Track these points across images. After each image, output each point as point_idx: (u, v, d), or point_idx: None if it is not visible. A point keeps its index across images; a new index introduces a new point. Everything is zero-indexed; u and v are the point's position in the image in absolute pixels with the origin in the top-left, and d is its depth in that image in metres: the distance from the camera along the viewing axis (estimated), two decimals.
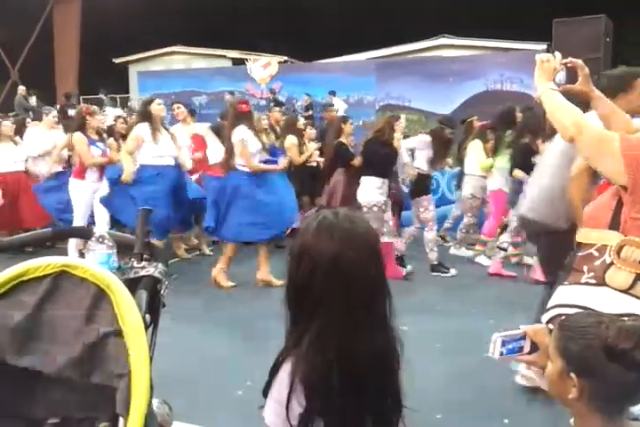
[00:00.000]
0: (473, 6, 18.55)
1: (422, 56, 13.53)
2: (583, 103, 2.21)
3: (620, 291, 1.80)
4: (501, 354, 1.52)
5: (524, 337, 1.53)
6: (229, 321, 4.72)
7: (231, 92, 12.29)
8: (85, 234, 1.55)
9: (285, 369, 1.32)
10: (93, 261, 1.47)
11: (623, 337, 1.25)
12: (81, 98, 16.24)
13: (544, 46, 11.03)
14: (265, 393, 1.36)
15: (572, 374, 1.31)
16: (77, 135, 5.97)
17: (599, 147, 1.91)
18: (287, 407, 1.29)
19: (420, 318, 4.29)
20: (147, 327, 1.39)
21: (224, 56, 16.75)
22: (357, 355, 1.31)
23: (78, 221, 5.93)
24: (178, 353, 3.88)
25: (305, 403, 1.29)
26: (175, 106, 7.20)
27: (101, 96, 15.35)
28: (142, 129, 5.68)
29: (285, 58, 15.26)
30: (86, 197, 6.00)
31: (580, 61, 2.20)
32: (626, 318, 1.30)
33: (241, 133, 5.38)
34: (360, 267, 1.31)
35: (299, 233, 1.39)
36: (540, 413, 3.00)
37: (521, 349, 1.53)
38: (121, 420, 1.25)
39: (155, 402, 1.43)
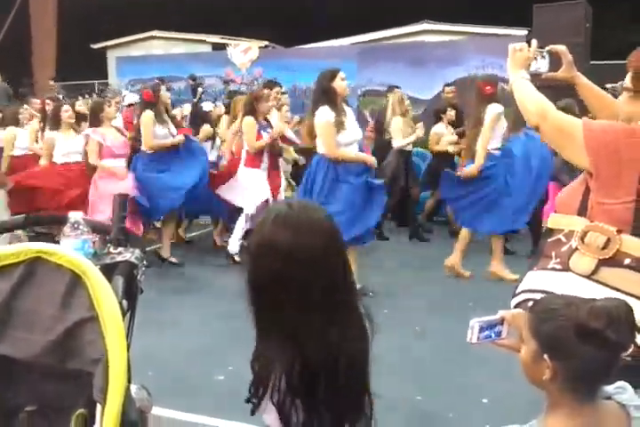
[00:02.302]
0: None
1: (404, 42, 13.48)
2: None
3: (584, 276, 1.82)
4: (478, 339, 1.53)
5: (501, 322, 1.54)
6: (211, 306, 4.72)
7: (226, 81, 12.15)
8: (60, 220, 1.54)
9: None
10: (69, 247, 1.45)
11: (594, 317, 1.26)
12: (59, 84, 15.98)
13: (525, 32, 11.04)
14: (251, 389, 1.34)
15: (545, 356, 1.31)
16: (249, 120, 5.71)
17: (562, 133, 1.93)
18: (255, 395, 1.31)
19: None
20: (124, 313, 1.39)
21: (204, 41, 16.53)
22: (315, 346, 1.28)
23: (250, 209, 5.70)
24: (158, 338, 3.88)
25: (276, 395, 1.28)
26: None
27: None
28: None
29: (266, 43, 15.11)
30: (264, 184, 5.72)
31: (563, 47, 2.19)
32: (596, 299, 1.31)
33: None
34: (318, 256, 1.28)
35: (255, 229, 1.36)
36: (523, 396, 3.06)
37: (499, 334, 1.54)
38: (98, 406, 1.25)
39: (133, 388, 1.42)
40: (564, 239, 1.91)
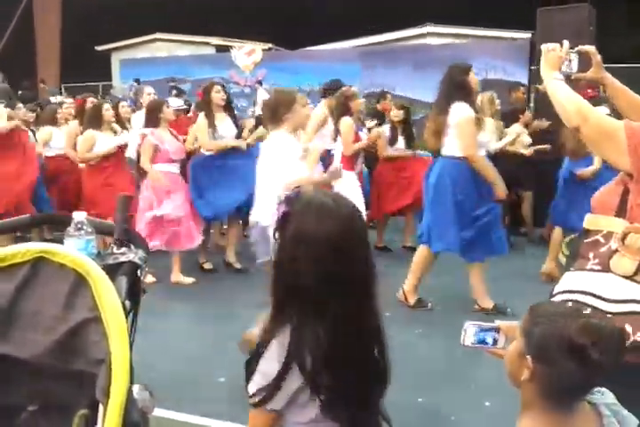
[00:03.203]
0: None
1: (407, 44, 13.50)
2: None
3: (625, 277, 1.82)
4: (472, 343, 1.55)
5: (497, 331, 1.55)
6: (213, 307, 4.72)
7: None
8: (64, 220, 1.54)
9: (277, 346, 1.36)
10: (72, 247, 1.45)
11: (584, 333, 1.27)
12: (63, 86, 16.03)
13: (528, 35, 11.04)
14: (247, 368, 1.41)
15: (528, 357, 1.33)
16: (347, 120, 5.39)
17: (604, 135, 1.91)
18: (280, 384, 1.34)
19: None
20: (127, 313, 1.39)
21: (208, 43, 16.57)
22: (349, 335, 1.35)
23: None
24: (160, 340, 3.88)
25: (305, 380, 1.34)
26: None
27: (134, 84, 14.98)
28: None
29: (270, 45, 15.14)
30: (357, 189, 5.42)
31: (592, 48, 2.15)
32: (595, 316, 1.34)
33: None
34: (355, 246, 1.36)
35: (291, 215, 1.40)
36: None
37: (495, 342, 1.56)
38: (100, 406, 1.25)
39: (135, 388, 1.42)
40: (602, 240, 1.89)
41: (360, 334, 1.38)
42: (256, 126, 6.14)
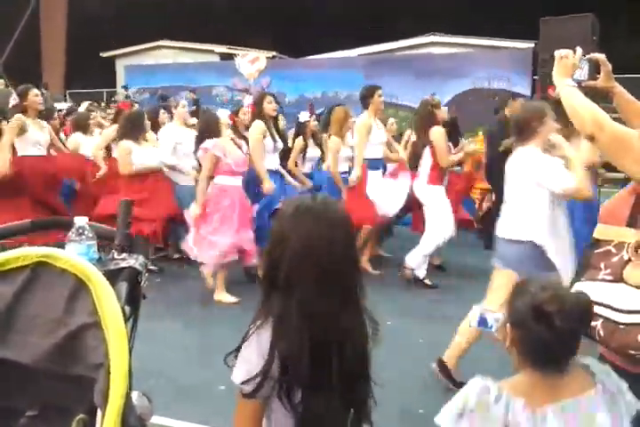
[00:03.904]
0: (462, 4, 18.59)
1: (411, 53, 13.56)
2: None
3: (638, 287, 1.81)
4: (478, 325, 1.72)
5: (498, 319, 1.64)
6: (214, 315, 4.71)
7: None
8: (65, 225, 1.54)
9: (260, 336, 1.43)
10: (73, 252, 1.45)
11: (551, 301, 1.42)
12: (67, 92, 16.11)
13: (532, 45, 11.08)
14: (235, 356, 1.48)
15: (508, 325, 1.51)
16: (439, 130, 5.11)
17: (619, 143, 1.91)
18: (265, 373, 1.40)
19: None
20: (126, 319, 1.38)
21: (212, 51, 16.66)
22: (327, 329, 1.41)
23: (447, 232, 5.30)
24: (161, 347, 3.87)
25: (280, 371, 1.40)
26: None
27: (122, 90, 15.11)
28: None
29: (274, 53, 15.21)
30: (446, 203, 5.31)
31: (602, 56, 2.15)
32: (568, 288, 1.53)
33: None
34: (330, 247, 1.41)
35: (278, 216, 1.50)
36: None
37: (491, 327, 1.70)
38: (99, 411, 1.24)
39: (134, 394, 1.42)
40: (614, 250, 1.89)
41: (339, 332, 1.43)
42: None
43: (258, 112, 5.43)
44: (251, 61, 13.06)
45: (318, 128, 6.50)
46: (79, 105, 8.67)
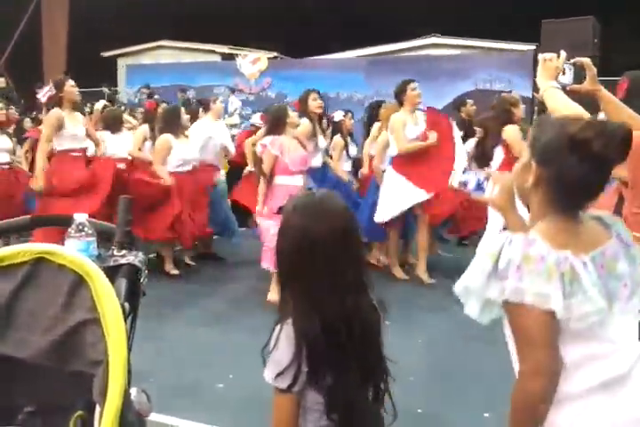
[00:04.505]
0: (463, 6, 18.59)
1: (412, 55, 13.55)
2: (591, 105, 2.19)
3: None
4: (460, 185, 1.66)
5: (487, 178, 1.63)
6: (214, 315, 4.70)
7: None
8: (65, 221, 1.54)
9: (283, 332, 1.47)
10: (73, 249, 1.45)
11: (587, 128, 1.32)
12: None
13: (533, 47, 11.08)
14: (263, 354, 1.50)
15: (533, 162, 1.40)
16: (514, 128, 4.76)
17: None
18: (298, 368, 1.44)
19: None
20: (126, 316, 1.38)
21: (213, 51, 16.66)
22: (334, 314, 1.45)
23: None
24: (160, 345, 3.87)
25: (308, 362, 1.44)
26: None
27: (104, 90, 15.12)
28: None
29: (275, 54, 15.21)
30: None
31: (587, 60, 2.18)
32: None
33: None
34: (328, 240, 1.45)
35: (283, 213, 1.55)
36: None
37: (482, 189, 1.66)
38: (97, 408, 1.24)
39: (133, 391, 1.42)
40: None
41: (346, 315, 1.47)
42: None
43: (303, 110, 5.29)
44: (252, 62, 13.06)
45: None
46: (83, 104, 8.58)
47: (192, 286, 5.47)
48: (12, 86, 13.44)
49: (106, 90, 11.30)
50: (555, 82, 2.11)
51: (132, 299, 1.44)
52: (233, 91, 11.76)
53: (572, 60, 2.18)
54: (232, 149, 6.55)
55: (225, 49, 16.22)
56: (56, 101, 5.22)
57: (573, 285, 1.32)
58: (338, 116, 6.47)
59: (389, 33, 14.80)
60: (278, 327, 1.49)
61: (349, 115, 6.71)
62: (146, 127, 6.13)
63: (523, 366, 1.34)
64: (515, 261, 1.32)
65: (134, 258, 1.48)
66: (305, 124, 5.23)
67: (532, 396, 1.31)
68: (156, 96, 10.40)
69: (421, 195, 5.26)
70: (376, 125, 6.29)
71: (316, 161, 5.50)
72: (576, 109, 1.99)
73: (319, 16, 19.36)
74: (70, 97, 5.29)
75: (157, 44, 17.38)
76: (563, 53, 2.16)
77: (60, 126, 5.17)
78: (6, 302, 1.35)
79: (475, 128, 6.81)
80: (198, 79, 13.09)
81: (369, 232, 5.32)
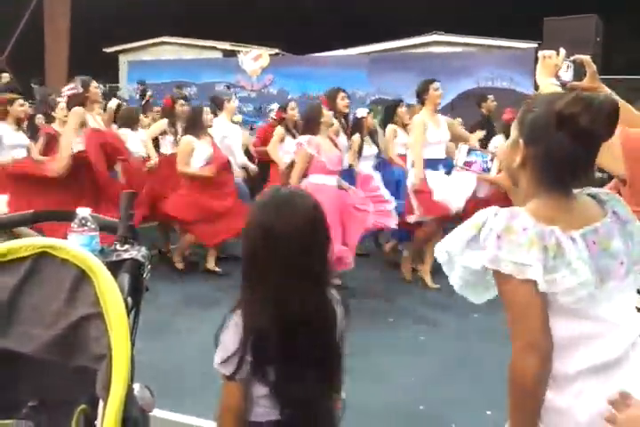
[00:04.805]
0: (465, 4, 18.57)
1: (414, 52, 13.53)
2: None
3: None
4: (465, 165, 1.65)
5: (491, 159, 1.62)
6: (217, 309, 4.70)
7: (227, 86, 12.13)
8: (67, 216, 1.54)
9: (232, 320, 1.52)
10: (76, 243, 1.45)
11: (574, 103, 1.30)
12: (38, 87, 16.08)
13: (535, 45, 11.06)
14: (216, 339, 1.55)
15: (520, 141, 1.39)
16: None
17: None
18: (241, 357, 1.48)
19: None
20: (129, 310, 1.38)
21: (215, 47, 16.64)
22: (291, 311, 1.48)
23: None
24: (163, 340, 3.87)
25: (252, 352, 1.48)
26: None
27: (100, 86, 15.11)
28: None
29: (277, 51, 15.19)
30: None
31: (587, 57, 2.19)
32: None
33: None
34: (292, 234, 1.48)
35: (250, 208, 1.60)
36: None
37: (488, 170, 1.65)
38: (100, 402, 1.24)
39: (136, 386, 1.42)
40: None
41: (305, 312, 1.49)
42: None
43: (331, 108, 5.19)
44: (254, 58, 13.05)
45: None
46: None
47: (196, 279, 5.46)
48: (15, 82, 13.42)
49: (140, 86, 11.32)
50: (554, 79, 2.12)
51: (135, 294, 1.43)
52: (229, 87, 11.76)
53: (571, 58, 2.18)
54: (239, 157, 6.38)
55: (227, 45, 16.21)
56: (80, 101, 5.16)
57: (557, 259, 1.31)
58: (361, 113, 6.38)
59: (391, 30, 14.79)
60: (231, 315, 1.53)
61: (372, 113, 6.53)
62: (165, 122, 6.09)
63: (515, 342, 1.33)
64: (495, 231, 1.32)
65: (137, 253, 1.47)
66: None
67: (527, 374, 1.30)
68: (148, 93, 10.37)
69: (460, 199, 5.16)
70: (390, 127, 6.14)
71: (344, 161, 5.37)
72: None
73: (321, 13, 19.34)
74: (95, 98, 5.32)
75: (159, 41, 17.35)
76: (562, 51, 2.16)
77: (82, 124, 5.13)
78: (9, 296, 1.35)
79: (494, 124, 6.80)
80: (200, 76, 13.07)
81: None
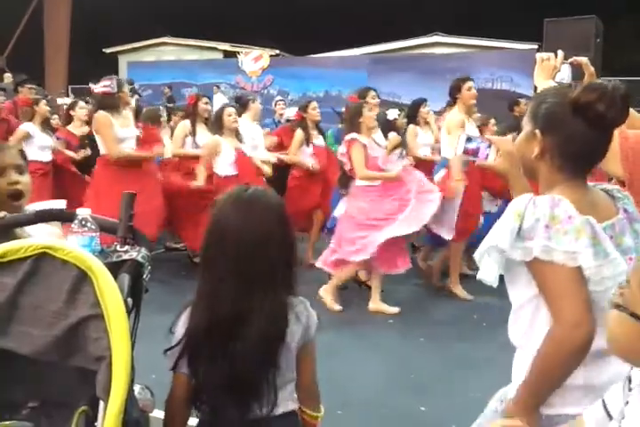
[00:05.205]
0: (466, 5, 18.58)
1: (414, 53, 13.55)
2: None
3: None
4: (465, 152, 1.69)
5: (489, 146, 1.65)
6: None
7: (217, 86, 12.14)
8: (68, 216, 1.53)
9: (183, 315, 1.55)
10: (76, 244, 1.44)
11: (589, 91, 1.34)
12: (69, 87, 16.10)
13: (535, 46, 11.07)
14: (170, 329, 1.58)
15: (537, 132, 1.41)
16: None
17: None
18: (181, 352, 1.51)
19: None
20: (129, 312, 1.38)
21: (215, 48, 16.66)
22: (226, 316, 1.48)
23: None
24: (163, 341, 3.86)
25: (186, 352, 1.50)
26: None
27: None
28: None
29: (277, 51, 15.20)
30: None
31: (585, 59, 2.20)
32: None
33: None
34: (251, 236, 1.47)
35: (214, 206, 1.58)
36: None
37: (486, 157, 1.68)
38: (101, 403, 1.24)
39: (136, 388, 1.41)
40: None
41: (244, 313, 1.47)
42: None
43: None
44: (254, 59, 13.07)
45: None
46: (85, 101, 8.50)
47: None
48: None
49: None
50: (552, 82, 2.13)
51: (135, 295, 1.43)
52: (218, 87, 11.76)
53: (569, 60, 2.19)
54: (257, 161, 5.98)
55: (227, 46, 16.22)
56: (113, 101, 5.06)
57: (597, 247, 1.33)
58: (392, 114, 6.33)
59: (392, 31, 14.79)
60: (187, 307, 1.55)
61: (403, 113, 6.26)
62: (187, 123, 5.89)
63: (561, 318, 1.32)
64: (543, 221, 1.32)
65: (137, 254, 1.47)
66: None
67: (575, 346, 1.30)
68: (136, 96, 10.35)
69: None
70: (411, 127, 6.06)
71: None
72: None
73: (321, 14, 19.35)
74: (127, 100, 5.23)
75: (159, 41, 17.37)
76: (560, 53, 2.17)
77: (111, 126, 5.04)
78: (9, 296, 1.35)
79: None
80: (200, 76, 13.08)
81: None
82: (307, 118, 5.90)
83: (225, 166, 5.30)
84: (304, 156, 5.87)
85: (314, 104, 5.95)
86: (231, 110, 5.42)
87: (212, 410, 1.53)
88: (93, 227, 1.49)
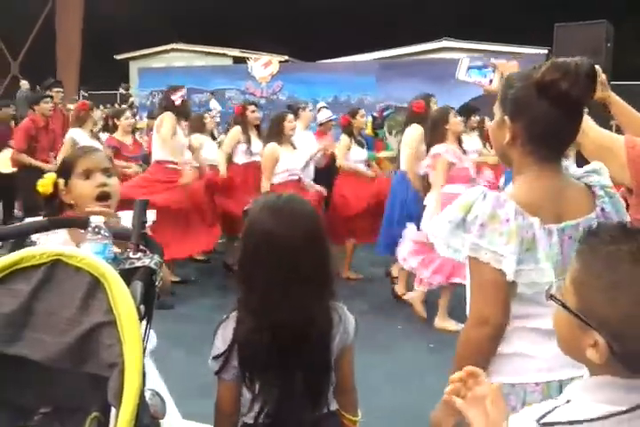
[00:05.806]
0: (475, 10, 18.57)
1: (424, 58, 13.55)
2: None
3: None
4: (467, 76, 1.69)
5: (493, 70, 1.64)
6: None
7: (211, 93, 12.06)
8: (81, 224, 1.55)
9: (225, 326, 1.56)
10: (89, 251, 1.46)
11: (553, 70, 1.33)
12: (81, 93, 16.22)
13: (545, 51, 11.05)
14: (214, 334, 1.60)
15: (506, 118, 1.40)
16: None
17: (604, 148, 1.92)
18: (226, 359, 1.52)
19: None
20: (141, 318, 1.38)
21: (225, 54, 16.74)
22: (286, 322, 1.46)
23: None
24: (174, 348, 3.88)
25: (238, 359, 1.51)
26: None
27: (122, 91, 15.17)
28: None
29: (286, 57, 15.25)
30: None
31: (597, 66, 2.18)
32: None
33: None
34: (288, 240, 1.46)
35: (248, 215, 1.58)
36: None
37: (490, 82, 1.67)
38: (113, 410, 1.25)
39: (147, 393, 1.42)
40: None
41: (301, 323, 1.48)
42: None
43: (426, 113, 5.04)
44: (263, 65, 13.11)
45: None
46: (97, 106, 8.54)
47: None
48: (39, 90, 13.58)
49: (122, 90, 11.33)
50: None
51: (148, 302, 1.44)
52: (213, 93, 11.76)
53: None
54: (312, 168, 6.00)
55: (236, 52, 16.30)
56: (182, 110, 5.31)
57: (528, 253, 1.35)
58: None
59: (401, 36, 14.80)
60: (231, 313, 1.57)
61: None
62: (239, 129, 5.85)
63: (470, 314, 1.38)
64: (481, 218, 1.35)
65: (150, 260, 1.48)
66: (417, 129, 5.10)
67: (474, 344, 1.36)
68: (132, 98, 10.37)
69: None
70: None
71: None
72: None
73: (330, 20, 19.39)
74: (183, 109, 5.41)
75: (169, 48, 17.48)
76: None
77: (173, 134, 5.15)
78: (24, 303, 1.36)
79: None
80: (210, 82, 13.12)
81: None
82: (352, 124, 5.83)
83: (279, 175, 5.22)
84: (350, 161, 5.80)
85: (362, 112, 5.95)
86: (291, 117, 5.37)
87: (268, 414, 1.54)
88: (107, 234, 1.51)
